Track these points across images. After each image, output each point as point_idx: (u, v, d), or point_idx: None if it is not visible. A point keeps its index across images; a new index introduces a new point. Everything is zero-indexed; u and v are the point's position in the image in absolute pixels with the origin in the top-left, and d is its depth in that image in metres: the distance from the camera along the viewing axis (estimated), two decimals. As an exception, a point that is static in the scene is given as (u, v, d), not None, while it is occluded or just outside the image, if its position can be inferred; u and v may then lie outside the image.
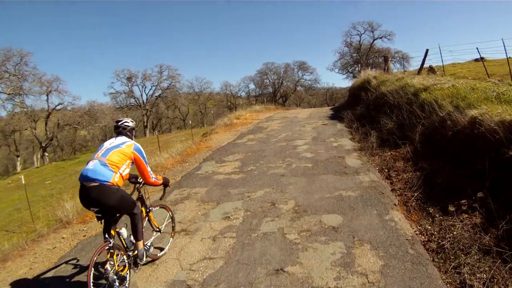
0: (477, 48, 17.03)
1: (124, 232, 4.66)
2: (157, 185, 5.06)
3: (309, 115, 24.41)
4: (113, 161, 4.24)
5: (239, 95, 73.14)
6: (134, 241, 4.74)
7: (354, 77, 52.58)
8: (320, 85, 70.05)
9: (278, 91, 66.05)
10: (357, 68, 55.46)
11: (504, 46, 17.63)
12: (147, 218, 5.21)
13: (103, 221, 4.36)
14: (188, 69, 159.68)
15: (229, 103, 70.28)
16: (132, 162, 4.56)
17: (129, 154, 4.46)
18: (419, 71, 17.35)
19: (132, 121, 4.97)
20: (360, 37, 56.06)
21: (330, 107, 33.60)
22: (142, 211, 4.95)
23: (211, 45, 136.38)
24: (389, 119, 11.82)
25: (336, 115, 21.08)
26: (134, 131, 4.98)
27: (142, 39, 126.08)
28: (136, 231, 4.63)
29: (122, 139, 4.61)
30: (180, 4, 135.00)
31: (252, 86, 70.97)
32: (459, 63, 25.97)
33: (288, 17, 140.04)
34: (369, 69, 48.90)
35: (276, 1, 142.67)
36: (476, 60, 27.47)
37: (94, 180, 4.05)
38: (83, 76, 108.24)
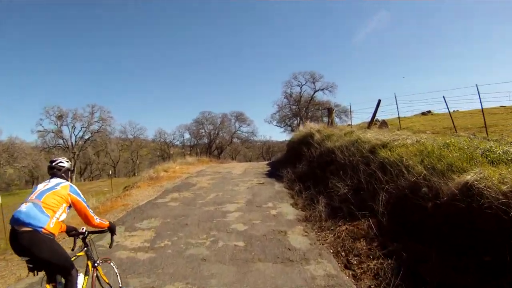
0: (443, 97, 15.36)
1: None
2: (103, 229, 4.57)
3: (244, 170, 22.14)
4: (48, 204, 3.80)
5: (173, 144, 70.06)
6: None
7: (292, 130, 51.55)
8: (257, 138, 68.93)
9: (213, 142, 63.87)
10: (295, 121, 54.54)
11: (478, 94, 16.41)
12: (96, 274, 4.58)
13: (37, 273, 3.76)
14: (121, 112, 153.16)
15: (162, 152, 67.15)
16: (69, 206, 4.11)
17: (66, 196, 4.01)
18: (370, 124, 15.73)
19: (68, 161, 4.55)
20: (300, 88, 55.48)
21: (267, 162, 31.61)
22: (88, 265, 4.44)
23: (146, 88, 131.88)
24: (341, 182, 9.71)
25: (274, 172, 18.95)
26: (70, 172, 4.55)
27: (75, 75, 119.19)
28: None
29: (56, 180, 4.16)
30: (115, 43, 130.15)
31: (187, 135, 68.53)
32: (405, 117, 24.91)
33: (229, 65, 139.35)
34: (309, 122, 48.18)
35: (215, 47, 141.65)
36: (423, 113, 26.81)
37: (27, 224, 3.59)
38: (7, 109, 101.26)
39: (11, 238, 3.69)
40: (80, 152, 56.09)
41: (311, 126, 19.05)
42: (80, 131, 56.36)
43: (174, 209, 11.26)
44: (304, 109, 54.77)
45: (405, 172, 7.24)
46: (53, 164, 4.40)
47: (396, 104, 16.91)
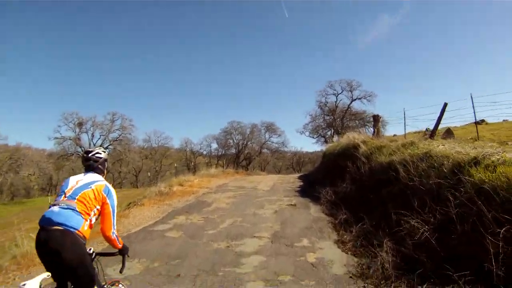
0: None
1: None
2: (114, 250, 3.95)
3: (272, 185, 19.04)
4: (83, 205, 3.50)
5: (200, 153, 67.22)
6: None
7: (326, 141, 48.00)
8: (288, 149, 65.18)
9: (242, 153, 60.66)
10: (329, 132, 50.80)
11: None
12: None
13: None
14: (145, 122, 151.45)
15: (188, 162, 64.63)
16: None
17: (99, 197, 3.65)
18: (433, 133, 12.27)
19: (104, 151, 4.19)
20: (336, 97, 51.06)
21: (298, 175, 28.34)
22: None
23: (173, 97, 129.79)
24: (411, 214, 6.45)
25: (307, 189, 15.88)
26: (106, 163, 4.19)
27: (97, 85, 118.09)
28: None
29: (92, 176, 3.80)
30: (141, 52, 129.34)
31: (214, 145, 65.00)
32: (456, 126, 21.23)
33: (258, 73, 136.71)
34: (348, 132, 44.73)
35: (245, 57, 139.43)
36: (477, 123, 23.05)
37: (60, 224, 3.29)
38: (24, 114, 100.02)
39: (38, 239, 3.28)
40: None
41: (354, 136, 15.72)
42: (99, 139, 53.98)
43: (172, 243, 8.27)
44: (339, 119, 50.72)
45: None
46: (89, 155, 3.98)
47: (473, 105, 13.07)
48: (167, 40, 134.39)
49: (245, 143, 60.88)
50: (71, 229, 3.30)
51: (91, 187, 3.64)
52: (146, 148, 65.50)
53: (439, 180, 6.65)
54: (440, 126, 13.86)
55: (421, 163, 7.89)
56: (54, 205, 3.46)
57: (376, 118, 18.47)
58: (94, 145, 52.40)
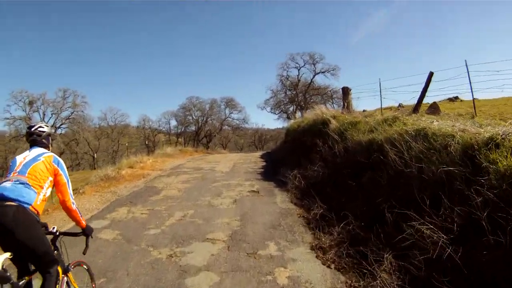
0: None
1: None
2: (77, 222, 3.80)
3: (232, 166, 17.29)
4: (35, 177, 3.37)
5: (161, 131, 64.41)
6: None
7: (288, 117, 46.24)
8: (249, 125, 62.95)
9: (202, 130, 58.38)
10: (291, 108, 48.95)
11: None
12: (66, 280, 3.72)
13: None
14: (103, 100, 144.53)
15: (146, 140, 61.87)
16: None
17: (51, 168, 3.54)
18: (417, 107, 10.57)
19: (47, 125, 4.01)
20: (298, 70, 48.50)
21: (260, 154, 26.65)
22: (58, 271, 3.47)
23: (129, 74, 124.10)
24: (424, 220, 4.67)
25: (271, 171, 14.27)
26: (50, 138, 3.99)
27: (44, 56, 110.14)
28: None
29: (38, 150, 3.65)
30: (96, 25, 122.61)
31: (174, 122, 62.18)
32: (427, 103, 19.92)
33: (216, 45, 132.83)
34: (308, 109, 42.63)
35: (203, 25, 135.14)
36: (450, 99, 21.86)
37: (12, 199, 3.14)
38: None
39: None
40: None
41: (322, 111, 13.99)
42: (50, 117, 50.02)
43: (102, 249, 6.33)
44: (302, 94, 48.53)
45: None
46: (32, 129, 3.84)
47: (469, 77, 11.09)
48: (122, 14, 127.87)
49: (205, 119, 58.53)
50: (25, 205, 3.18)
51: (40, 159, 3.52)
52: (102, 127, 61.29)
53: (448, 168, 5.00)
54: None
55: (415, 143, 6.25)
56: (4, 181, 3.31)
57: (346, 91, 16.74)
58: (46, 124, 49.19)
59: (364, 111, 16.22)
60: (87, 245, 3.98)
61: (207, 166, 17.69)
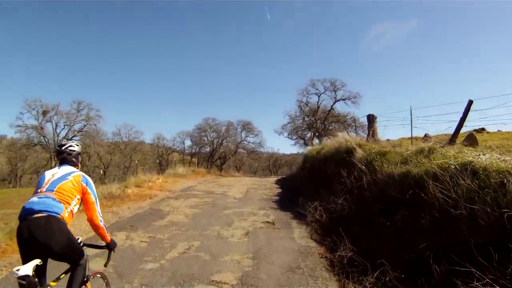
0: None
1: None
2: (104, 238, 3.87)
3: (245, 191, 16.34)
4: (62, 195, 3.43)
5: (174, 149, 63.55)
6: None
7: (305, 144, 45.08)
8: (264, 150, 61.54)
9: (216, 152, 57.49)
10: (308, 134, 47.76)
11: None
12: None
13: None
14: (115, 116, 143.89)
15: (160, 158, 61.18)
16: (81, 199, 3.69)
17: (78, 187, 3.60)
18: (453, 138, 9.45)
19: (78, 145, 4.11)
20: (318, 97, 46.88)
21: (275, 179, 25.63)
22: (86, 261, 3.71)
23: (145, 92, 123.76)
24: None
25: (287, 199, 13.40)
26: (80, 157, 4.12)
27: (66, 72, 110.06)
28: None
29: (67, 168, 3.74)
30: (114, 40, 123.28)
31: (188, 142, 60.99)
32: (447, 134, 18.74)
33: (236, 71, 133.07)
34: (327, 136, 41.49)
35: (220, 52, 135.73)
36: (477, 131, 20.85)
37: (41, 211, 3.21)
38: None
39: (21, 233, 3.16)
40: None
41: (346, 138, 12.95)
42: (63, 129, 49.24)
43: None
44: (321, 121, 47.11)
45: None
46: (63, 148, 3.94)
47: None
48: (143, 28, 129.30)
49: (220, 141, 57.60)
50: (54, 214, 3.22)
51: (68, 178, 3.56)
52: (115, 142, 60.45)
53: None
54: (445, 130, 11.09)
55: (463, 180, 5.24)
56: (32, 198, 3.34)
57: (371, 119, 15.74)
58: (58, 135, 48.34)
59: (388, 140, 15.22)
60: (109, 258, 4.09)
61: (219, 190, 16.77)
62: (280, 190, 17.08)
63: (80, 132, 49.78)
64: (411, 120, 12.80)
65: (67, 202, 3.41)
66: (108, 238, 3.91)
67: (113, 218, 10.04)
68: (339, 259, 6.24)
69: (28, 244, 3.14)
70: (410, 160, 7.50)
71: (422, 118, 13.72)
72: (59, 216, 3.25)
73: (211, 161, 55.12)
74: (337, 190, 9.89)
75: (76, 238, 3.65)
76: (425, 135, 14.99)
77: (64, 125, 49.39)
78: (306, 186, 14.61)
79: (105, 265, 4.09)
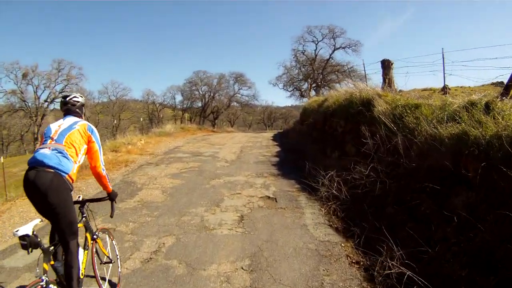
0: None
1: (60, 266, 3.37)
2: (105, 187, 3.84)
3: (239, 151, 14.29)
4: (71, 146, 3.43)
5: (166, 105, 60.63)
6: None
7: (302, 95, 42.57)
8: (258, 102, 58.80)
9: (208, 106, 54.91)
10: (305, 86, 44.83)
11: None
12: (95, 246, 3.96)
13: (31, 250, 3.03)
14: (105, 74, 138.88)
15: (151, 116, 58.71)
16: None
17: (85, 136, 3.62)
18: (508, 89, 7.07)
19: (81, 96, 4.05)
20: (316, 45, 42.71)
21: (272, 134, 23.51)
22: (86, 237, 3.79)
23: (133, 47, 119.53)
24: None
25: (289, 161, 11.51)
26: (84, 108, 4.05)
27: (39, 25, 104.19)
28: (68, 273, 3.25)
29: (72, 119, 3.68)
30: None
31: (179, 97, 58.28)
32: (467, 86, 16.04)
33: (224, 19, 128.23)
34: (322, 89, 38.90)
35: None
36: (493, 84, 18.30)
37: (51, 167, 3.19)
38: None
39: (27, 178, 3.18)
40: (42, 117, 45.15)
41: (360, 87, 10.53)
42: (43, 91, 46.38)
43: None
44: (319, 71, 43.06)
45: None
46: (67, 99, 3.89)
47: None
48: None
49: (212, 95, 54.81)
50: (63, 173, 3.23)
51: (75, 127, 3.57)
52: (102, 103, 57.62)
53: None
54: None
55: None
56: (43, 148, 3.34)
57: (386, 64, 13.24)
58: (39, 98, 45.61)
59: (400, 92, 12.78)
60: (113, 209, 4.04)
61: (209, 150, 14.66)
62: (279, 149, 14.99)
63: (61, 93, 46.45)
64: (443, 65, 10.45)
65: (76, 154, 3.41)
66: (110, 188, 3.88)
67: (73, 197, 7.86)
68: (382, 273, 4.08)
69: (31, 190, 3.13)
70: (460, 117, 5.29)
71: (459, 64, 11.45)
72: (66, 176, 3.23)
73: (204, 116, 53.11)
74: (352, 152, 7.78)
75: (77, 196, 3.85)
76: (445, 87, 12.76)
77: (45, 87, 46.48)
78: (310, 146, 12.48)
79: (111, 216, 4.05)
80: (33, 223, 3.04)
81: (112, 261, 4.22)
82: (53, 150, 3.26)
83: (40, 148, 3.30)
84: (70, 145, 3.36)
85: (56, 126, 3.50)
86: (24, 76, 44.43)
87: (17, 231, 2.89)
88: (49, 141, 3.35)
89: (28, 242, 2.95)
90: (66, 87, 47.03)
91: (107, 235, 4.38)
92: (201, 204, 7.06)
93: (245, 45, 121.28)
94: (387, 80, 12.35)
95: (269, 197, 7.52)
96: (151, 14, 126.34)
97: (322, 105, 13.97)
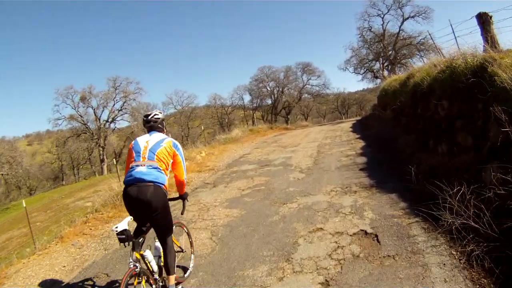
0: None
1: (149, 254, 3.93)
2: (182, 191, 4.39)
3: (316, 152, 12.20)
4: (162, 163, 3.90)
5: (235, 106, 58.80)
6: (162, 266, 4.00)
7: (375, 77, 38.98)
8: (330, 91, 54.83)
9: (279, 102, 52.65)
10: (376, 65, 40.42)
11: None
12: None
13: (127, 244, 3.59)
14: (160, 86, 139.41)
15: (220, 120, 57.54)
16: None
17: (171, 152, 4.06)
18: None
19: (161, 112, 4.47)
20: (382, 18, 38.59)
21: (350, 125, 20.87)
22: (172, 241, 4.23)
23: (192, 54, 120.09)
24: None
25: (382, 163, 8.94)
26: (164, 122, 4.47)
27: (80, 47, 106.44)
28: (168, 262, 3.86)
29: (158, 135, 4.13)
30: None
31: (248, 97, 56.24)
32: None
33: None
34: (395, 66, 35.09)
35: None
36: None
37: (151, 182, 3.70)
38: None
39: (129, 194, 3.66)
40: (105, 139, 45.58)
41: (462, 51, 7.65)
42: (102, 111, 46.36)
43: None
44: (391, 46, 38.69)
45: None
46: (149, 117, 4.28)
47: None
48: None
49: (281, 90, 52.57)
50: (160, 185, 3.73)
51: (162, 145, 3.95)
52: (169, 115, 56.04)
53: None
54: None
55: None
56: (138, 165, 3.77)
57: (485, 19, 10.25)
58: (99, 119, 46.13)
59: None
60: (184, 207, 4.53)
61: (280, 156, 12.59)
62: (363, 143, 12.50)
63: (120, 111, 46.65)
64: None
65: (166, 169, 3.89)
66: (184, 190, 4.37)
67: (81, 263, 5.90)
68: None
69: (135, 202, 3.62)
70: None
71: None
72: (163, 186, 3.76)
73: (275, 113, 51.71)
74: (468, 144, 5.25)
75: None
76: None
77: (103, 108, 46.62)
78: (401, 137, 9.91)
79: (182, 213, 4.53)
80: (126, 219, 3.63)
81: (184, 251, 4.81)
82: (148, 167, 3.74)
83: (136, 166, 3.75)
84: (160, 162, 3.80)
85: (144, 142, 3.93)
86: (82, 99, 45.35)
87: (116, 227, 3.45)
88: (141, 158, 3.80)
89: (125, 236, 3.46)
90: (125, 103, 46.99)
91: (181, 228, 4.99)
92: (263, 259, 4.75)
93: (306, 36, 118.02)
94: (488, 39, 9.30)
95: (366, 233, 5.00)
96: (206, 16, 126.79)
97: (406, 83, 11.20)
